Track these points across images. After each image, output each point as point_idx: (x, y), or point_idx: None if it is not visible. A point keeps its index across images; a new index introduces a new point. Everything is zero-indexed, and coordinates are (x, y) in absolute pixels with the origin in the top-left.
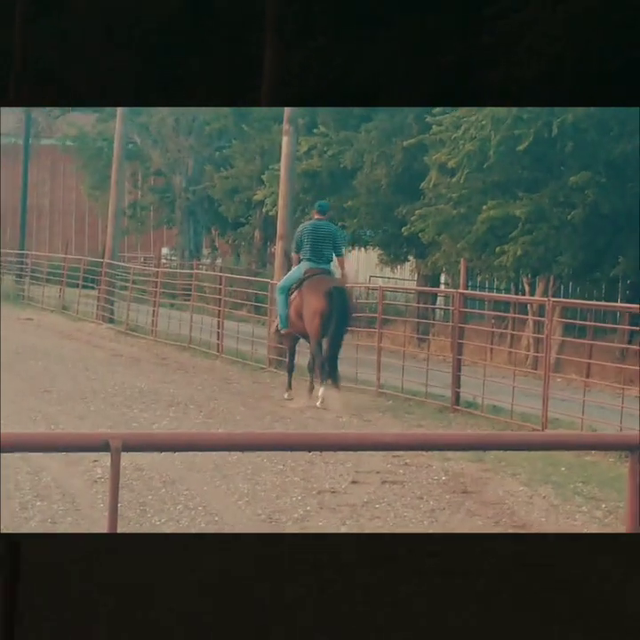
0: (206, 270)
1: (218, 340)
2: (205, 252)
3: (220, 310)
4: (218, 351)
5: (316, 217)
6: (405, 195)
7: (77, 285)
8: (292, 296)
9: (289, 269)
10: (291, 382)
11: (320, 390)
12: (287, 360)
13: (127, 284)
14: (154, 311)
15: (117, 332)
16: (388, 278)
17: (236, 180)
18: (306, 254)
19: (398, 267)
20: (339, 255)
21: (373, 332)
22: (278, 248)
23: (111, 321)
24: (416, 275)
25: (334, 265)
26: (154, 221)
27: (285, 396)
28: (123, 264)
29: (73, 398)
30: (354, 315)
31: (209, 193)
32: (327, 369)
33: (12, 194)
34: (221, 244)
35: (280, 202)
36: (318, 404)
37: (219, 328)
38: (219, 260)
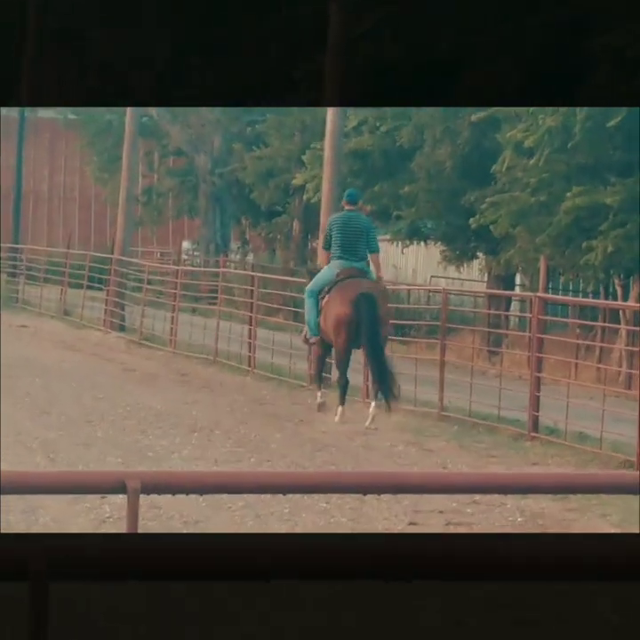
0: (235, 269)
1: (249, 352)
2: (234, 246)
3: (251, 317)
4: (249, 366)
5: (346, 208)
6: (473, 179)
7: (82, 286)
8: (324, 300)
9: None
10: (320, 386)
11: (371, 408)
12: (315, 372)
13: (141, 285)
14: (173, 317)
15: (129, 341)
16: (453, 279)
17: (272, 161)
18: (337, 251)
19: (465, 265)
20: (373, 251)
21: (434, 343)
22: (321, 243)
23: (122, 329)
24: (486, 275)
25: (370, 263)
26: (173, 210)
27: (318, 399)
28: (136, 261)
29: (76, 422)
30: (389, 322)
31: (239, 176)
32: (377, 386)
33: (3, 177)
34: (253, 238)
35: (324, 187)
36: (367, 423)
37: (250, 338)
38: (250, 257)
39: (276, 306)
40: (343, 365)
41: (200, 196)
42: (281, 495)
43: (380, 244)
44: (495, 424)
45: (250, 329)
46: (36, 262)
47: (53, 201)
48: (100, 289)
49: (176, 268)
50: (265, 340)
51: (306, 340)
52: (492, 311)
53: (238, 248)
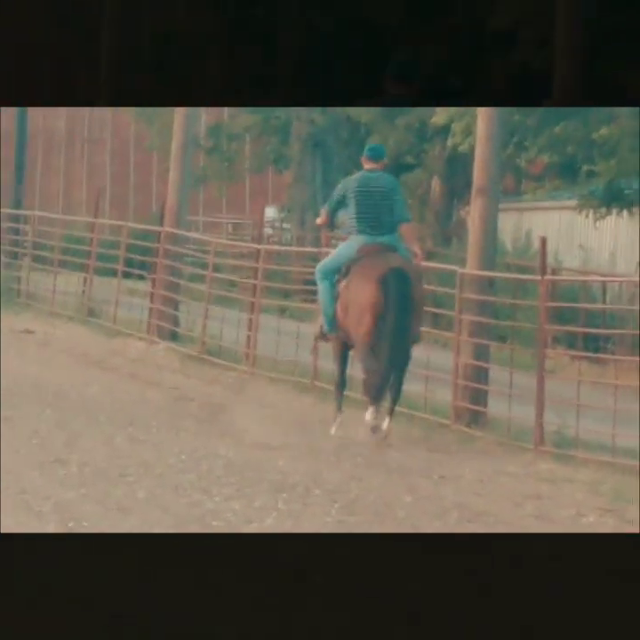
0: None
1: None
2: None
3: None
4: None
5: (367, 166)
6: None
7: (115, 273)
8: (341, 285)
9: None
10: (341, 405)
11: (385, 420)
12: (337, 374)
13: (203, 272)
14: (250, 320)
15: (185, 356)
16: None
17: None
18: (357, 224)
19: None
20: (403, 220)
21: (626, 361)
22: (475, 210)
23: (174, 337)
24: None
25: (404, 236)
26: (251, 160)
27: (333, 429)
28: (196, 236)
29: (106, 475)
30: (423, 311)
31: (350, 111)
32: (387, 389)
33: None
34: None
35: (479, 129)
36: (361, 434)
37: None
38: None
39: None
40: (369, 363)
41: (292, 140)
42: None
43: (562, 214)
44: None
45: None
46: (46, 237)
47: (73, 146)
48: (143, 278)
49: (257, 246)
50: None
51: (322, 336)
52: None
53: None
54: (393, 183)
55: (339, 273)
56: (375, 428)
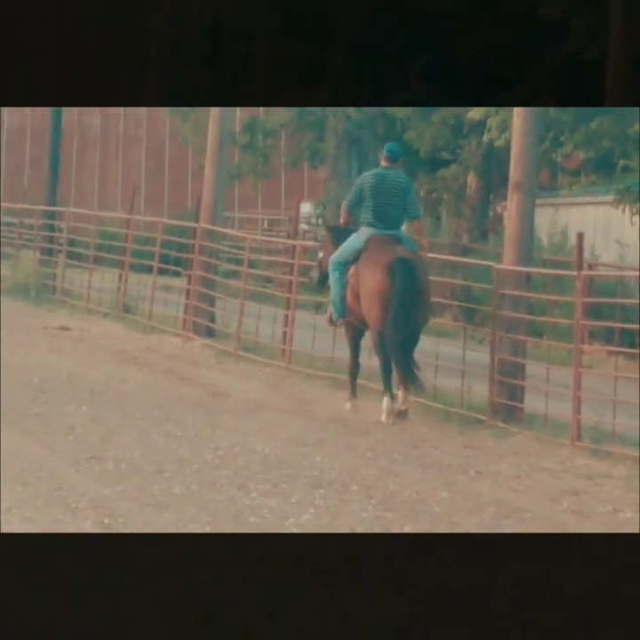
0: None
1: None
2: None
3: None
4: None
5: (384, 164)
6: None
7: (150, 269)
8: (350, 273)
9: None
10: (355, 389)
11: (386, 399)
12: (350, 359)
13: (239, 268)
14: (287, 316)
15: (221, 352)
16: None
17: None
18: (367, 217)
19: None
20: (415, 217)
21: None
22: (512, 206)
23: (211, 333)
24: None
25: (409, 231)
26: (287, 155)
27: (348, 405)
28: (231, 232)
29: (143, 471)
30: (430, 300)
31: (386, 108)
32: (401, 372)
33: (31, 108)
34: None
35: (515, 124)
36: (383, 418)
37: None
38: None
39: (440, 300)
40: (382, 347)
41: (328, 136)
42: None
43: (598, 209)
44: None
45: None
46: (81, 234)
47: (108, 142)
48: (178, 274)
49: (293, 242)
50: (425, 351)
51: (331, 322)
52: None
53: None
54: (407, 182)
55: (347, 263)
56: (390, 414)
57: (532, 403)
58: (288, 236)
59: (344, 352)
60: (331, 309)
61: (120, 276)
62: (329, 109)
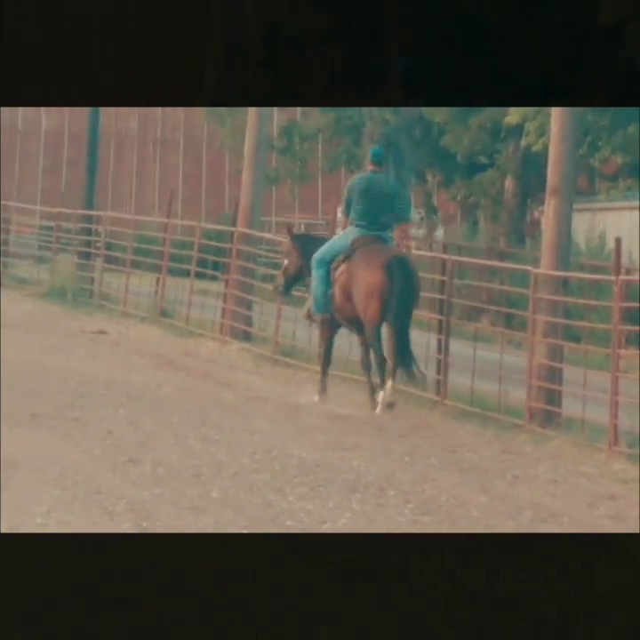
0: (417, 249)
1: (438, 374)
2: (416, 215)
3: (441, 321)
4: (437, 394)
5: (370, 168)
6: None
7: (188, 273)
8: (338, 271)
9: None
10: (325, 382)
11: (384, 391)
12: (323, 353)
13: (276, 272)
14: None
15: (259, 356)
16: None
17: None
18: (355, 218)
19: None
20: (405, 220)
21: None
22: (549, 210)
23: (248, 337)
24: None
25: (396, 233)
26: (324, 160)
27: (316, 398)
28: (269, 236)
29: (180, 475)
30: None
31: (423, 110)
32: (400, 360)
33: (70, 110)
34: (444, 203)
35: (553, 128)
36: (378, 410)
37: (439, 353)
38: (439, 232)
39: (478, 305)
40: (378, 342)
41: (365, 140)
42: None
43: (634, 213)
44: None
45: (439, 339)
46: (119, 238)
47: (145, 146)
48: (216, 278)
49: None
50: (461, 356)
51: (308, 317)
52: None
53: (422, 218)
54: (395, 186)
55: (333, 262)
56: (385, 406)
57: (570, 407)
58: None
59: None
60: (310, 304)
61: (157, 279)
62: (366, 114)
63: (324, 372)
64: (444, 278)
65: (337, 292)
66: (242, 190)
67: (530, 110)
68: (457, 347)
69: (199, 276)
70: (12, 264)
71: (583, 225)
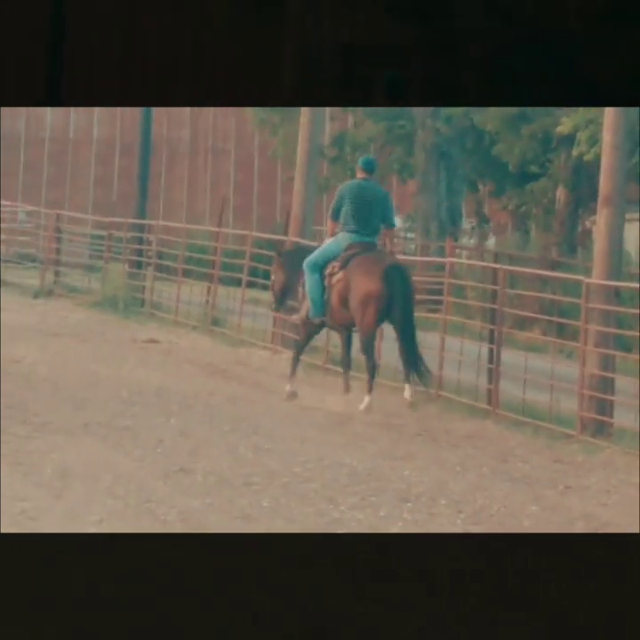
0: (469, 259)
1: (490, 383)
2: (467, 225)
3: (493, 331)
4: (489, 404)
5: (360, 176)
6: None
7: (239, 283)
8: (335, 277)
9: None
10: (295, 375)
11: (406, 389)
12: (297, 350)
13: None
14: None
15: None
16: None
17: None
18: (347, 223)
19: None
20: (391, 226)
21: None
22: (601, 220)
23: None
24: None
25: (382, 238)
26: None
27: (287, 388)
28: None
29: (231, 483)
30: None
31: (475, 120)
32: (412, 365)
33: (123, 119)
34: (496, 212)
35: (605, 138)
36: (362, 407)
37: (491, 363)
38: (491, 241)
39: (529, 314)
40: (371, 347)
41: (417, 149)
42: None
43: None
44: None
45: (491, 349)
46: (170, 247)
47: (197, 155)
48: (267, 287)
49: None
50: (514, 365)
51: (306, 320)
52: None
53: (473, 228)
54: (384, 193)
55: (326, 267)
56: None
57: (621, 417)
58: None
59: (432, 366)
60: (306, 307)
61: (208, 288)
62: (418, 123)
63: (295, 366)
64: (496, 288)
65: (334, 298)
66: (293, 199)
67: (582, 120)
68: (508, 356)
69: (250, 285)
70: (64, 273)
71: (635, 234)
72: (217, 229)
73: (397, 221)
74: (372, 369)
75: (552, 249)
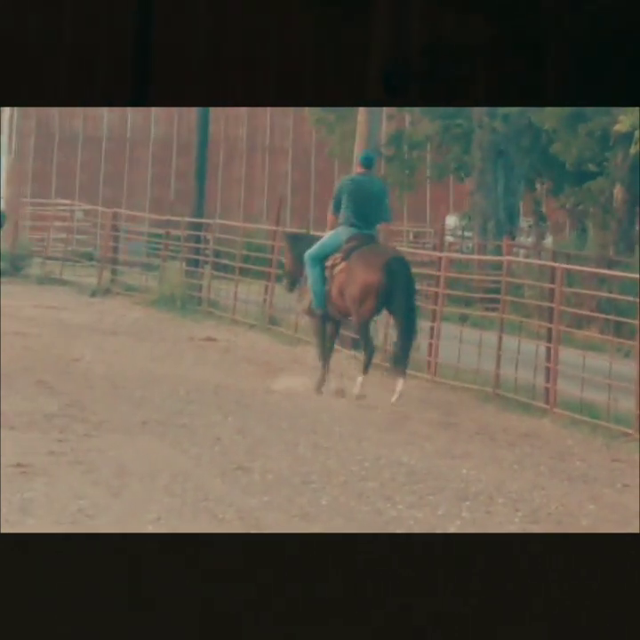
0: (527, 257)
1: (547, 382)
2: (525, 224)
3: (551, 329)
4: (547, 403)
5: (359, 170)
6: None
7: None
8: (336, 269)
9: None
10: (327, 364)
11: (398, 383)
12: (319, 342)
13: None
14: (432, 328)
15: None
16: None
17: None
18: (347, 217)
19: None
20: (387, 220)
21: None
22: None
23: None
24: None
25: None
26: (433, 169)
27: (332, 385)
28: None
29: (289, 482)
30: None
31: (532, 119)
32: (399, 362)
33: (180, 118)
34: (554, 211)
35: None
36: (394, 399)
37: (549, 361)
38: (548, 240)
39: (586, 313)
40: (367, 334)
41: (474, 148)
42: None
43: None
44: None
45: (548, 348)
46: (227, 245)
47: (254, 154)
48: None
49: (438, 254)
50: (571, 364)
51: (310, 311)
52: None
53: (531, 226)
54: (381, 188)
55: (327, 260)
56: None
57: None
58: (433, 249)
59: (489, 365)
60: (309, 298)
61: (266, 287)
62: (476, 121)
63: (325, 362)
64: (554, 286)
65: (334, 289)
66: None
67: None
68: (566, 355)
69: None
70: (122, 271)
71: None
72: (274, 228)
73: (454, 220)
74: (371, 353)
75: (609, 247)
